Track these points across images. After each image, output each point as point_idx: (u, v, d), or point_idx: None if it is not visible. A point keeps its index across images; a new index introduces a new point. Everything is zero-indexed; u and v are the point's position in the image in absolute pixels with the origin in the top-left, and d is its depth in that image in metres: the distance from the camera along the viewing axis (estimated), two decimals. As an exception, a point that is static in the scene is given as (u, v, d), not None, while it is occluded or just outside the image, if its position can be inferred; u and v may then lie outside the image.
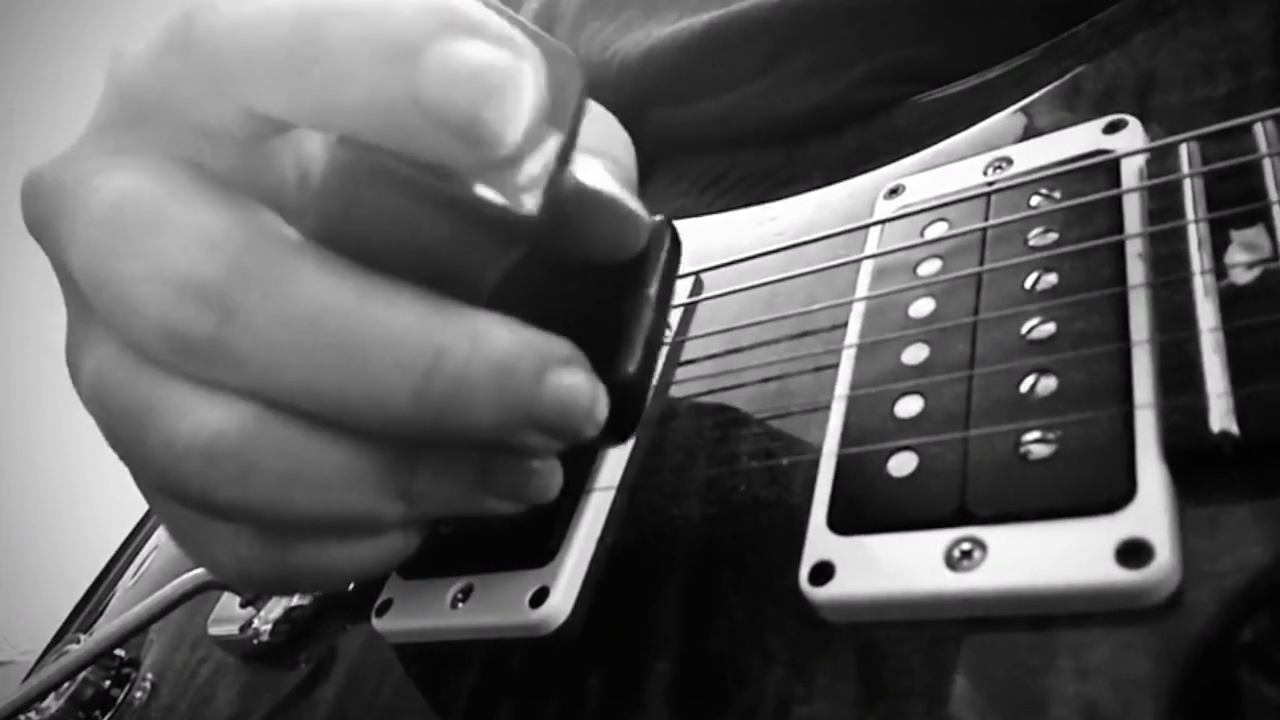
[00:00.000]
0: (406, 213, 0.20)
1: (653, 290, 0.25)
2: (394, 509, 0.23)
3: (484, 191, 0.19)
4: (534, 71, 0.18)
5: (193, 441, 0.20)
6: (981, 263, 0.27)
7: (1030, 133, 0.31)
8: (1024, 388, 0.24)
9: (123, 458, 0.23)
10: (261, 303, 0.20)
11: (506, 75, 0.18)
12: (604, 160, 0.24)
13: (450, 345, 0.20)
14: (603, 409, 0.23)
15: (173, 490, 0.21)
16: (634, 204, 0.23)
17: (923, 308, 0.27)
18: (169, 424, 0.20)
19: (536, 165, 0.20)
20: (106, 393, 0.22)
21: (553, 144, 0.20)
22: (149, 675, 0.40)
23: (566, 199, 0.22)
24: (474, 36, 0.18)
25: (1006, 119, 0.33)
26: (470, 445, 0.23)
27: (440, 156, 0.19)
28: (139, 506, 0.55)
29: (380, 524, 0.23)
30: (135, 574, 0.50)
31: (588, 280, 0.24)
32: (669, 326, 0.26)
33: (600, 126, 0.26)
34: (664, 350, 0.26)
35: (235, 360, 0.20)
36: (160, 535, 0.52)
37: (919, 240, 0.29)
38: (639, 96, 0.46)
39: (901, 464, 0.24)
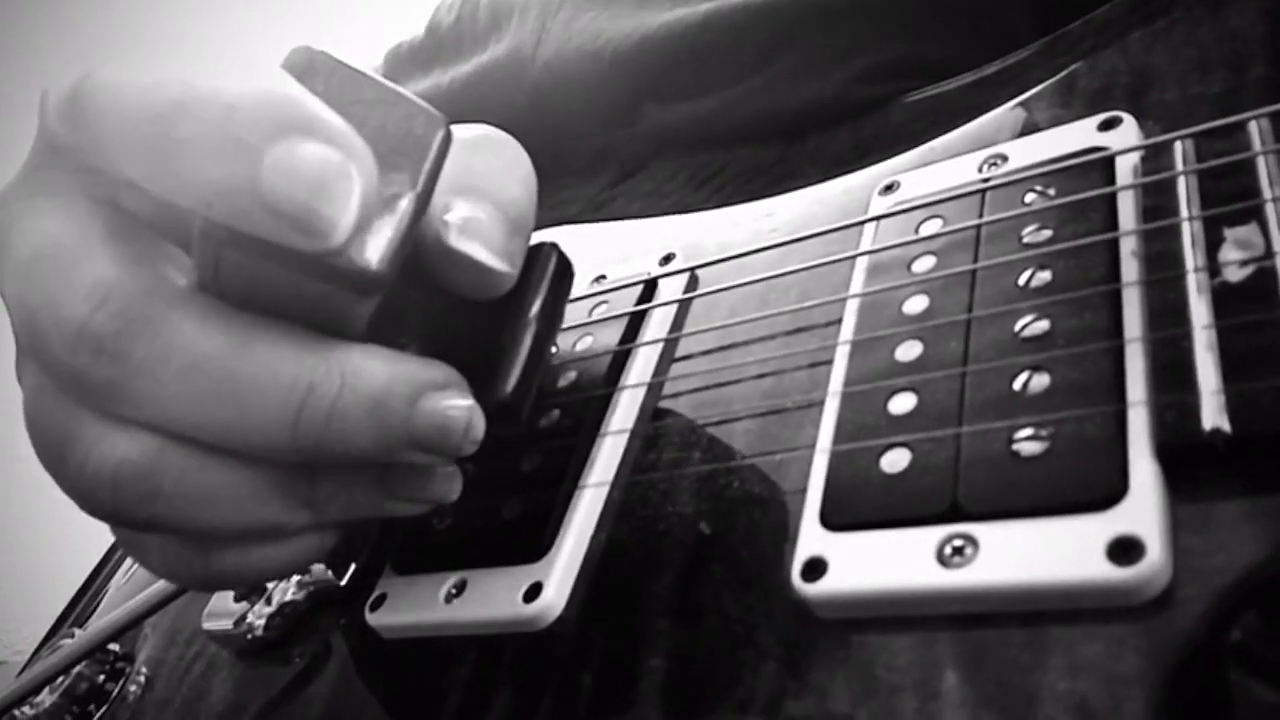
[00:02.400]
0: (264, 270, 0.22)
1: (533, 314, 0.27)
2: (300, 516, 0.25)
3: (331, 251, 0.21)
4: (362, 169, 0.20)
5: (100, 469, 0.23)
6: (976, 260, 0.27)
7: (1025, 130, 0.31)
8: (1017, 385, 0.24)
9: (49, 473, 0.25)
10: (147, 350, 0.22)
11: (337, 173, 0.20)
12: (482, 201, 0.25)
13: (320, 381, 0.23)
14: (479, 427, 0.25)
15: (91, 511, 0.24)
16: (496, 263, 0.25)
17: (917, 304, 0.27)
18: (80, 453, 0.23)
19: (385, 225, 0.22)
20: (35, 418, 0.24)
21: (404, 203, 0.22)
22: (143, 669, 0.40)
23: (432, 255, 0.24)
24: (309, 137, 0.20)
25: (1001, 116, 0.32)
26: (359, 464, 0.25)
27: (280, 241, 0.20)
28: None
29: (289, 530, 0.26)
30: (128, 572, 0.50)
31: (472, 307, 0.26)
32: (556, 346, 0.29)
33: (495, 160, 0.27)
34: (550, 365, 0.29)
35: (129, 399, 0.22)
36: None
37: (913, 237, 0.29)
38: (632, 89, 0.46)
39: (894, 460, 0.24)
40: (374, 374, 0.23)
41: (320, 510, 0.25)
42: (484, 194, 0.25)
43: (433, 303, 0.26)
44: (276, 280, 0.22)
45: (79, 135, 0.22)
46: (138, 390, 0.22)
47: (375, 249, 0.21)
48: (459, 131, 0.26)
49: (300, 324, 0.23)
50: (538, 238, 0.28)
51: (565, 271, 0.28)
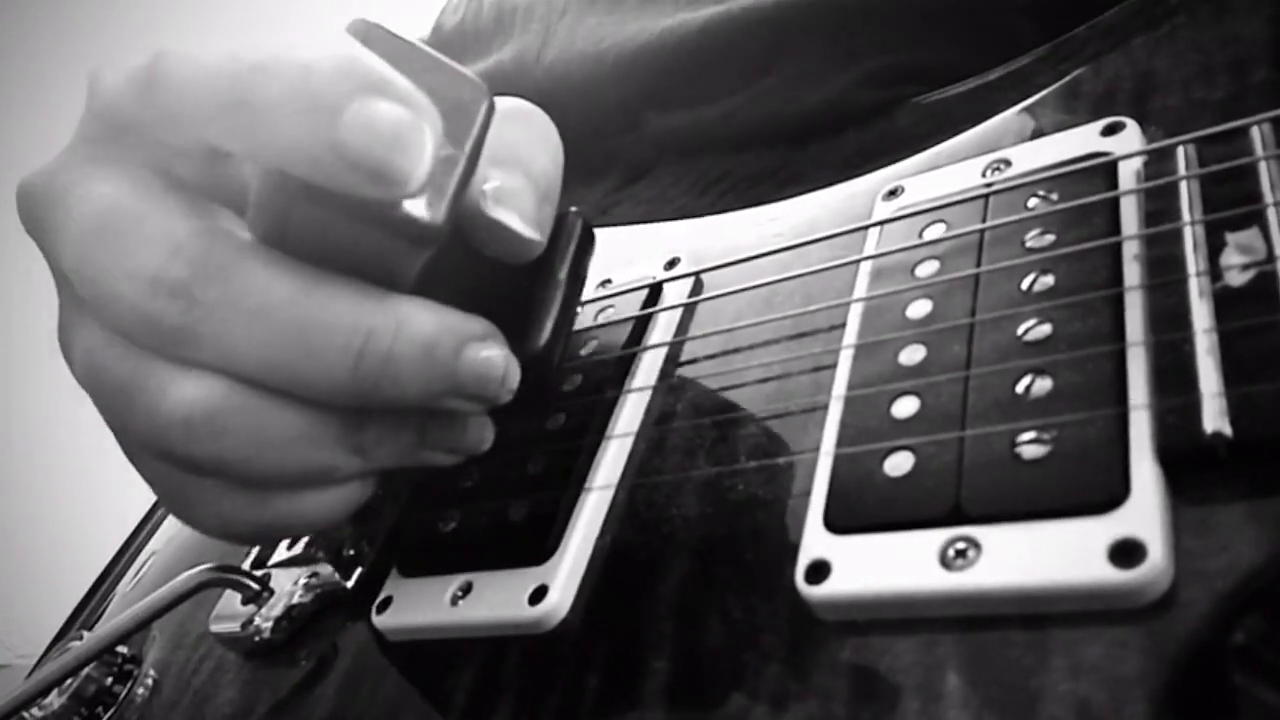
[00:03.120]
0: (331, 221, 0.24)
1: (562, 275, 0.29)
2: (350, 462, 0.27)
3: (397, 204, 0.23)
4: (432, 126, 0.22)
5: (173, 411, 0.24)
6: (979, 264, 0.27)
7: (1029, 134, 0.31)
8: (1020, 388, 0.24)
9: (113, 428, 0.27)
10: (219, 296, 0.23)
11: (411, 129, 0.22)
12: (514, 171, 0.27)
13: (378, 328, 0.24)
14: (514, 377, 0.27)
15: (159, 454, 0.25)
16: (528, 231, 0.27)
17: (920, 309, 0.27)
18: (151, 398, 0.24)
19: (441, 182, 0.24)
20: (97, 373, 0.26)
21: (457, 164, 0.24)
22: (151, 672, 0.40)
23: (470, 220, 0.26)
24: (382, 96, 0.22)
25: (1005, 121, 0.33)
26: (406, 409, 0.27)
27: (355, 192, 0.22)
28: (137, 511, 0.55)
29: (338, 475, 0.28)
30: (134, 578, 0.50)
31: (505, 268, 0.28)
32: (580, 305, 0.31)
33: (525, 132, 0.29)
34: (575, 324, 0.31)
35: (201, 343, 0.24)
36: (158, 540, 0.52)
37: (917, 241, 0.29)
38: (635, 95, 0.47)
39: (898, 464, 0.24)
40: (425, 323, 0.25)
41: (367, 456, 0.27)
42: (516, 164, 0.27)
43: (468, 267, 0.27)
44: (340, 234, 0.24)
45: (155, 106, 0.23)
46: (210, 334, 0.24)
47: (434, 204, 0.23)
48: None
49: (357, 278, 0.25)
50: None
51: (589, 237, 0.30)
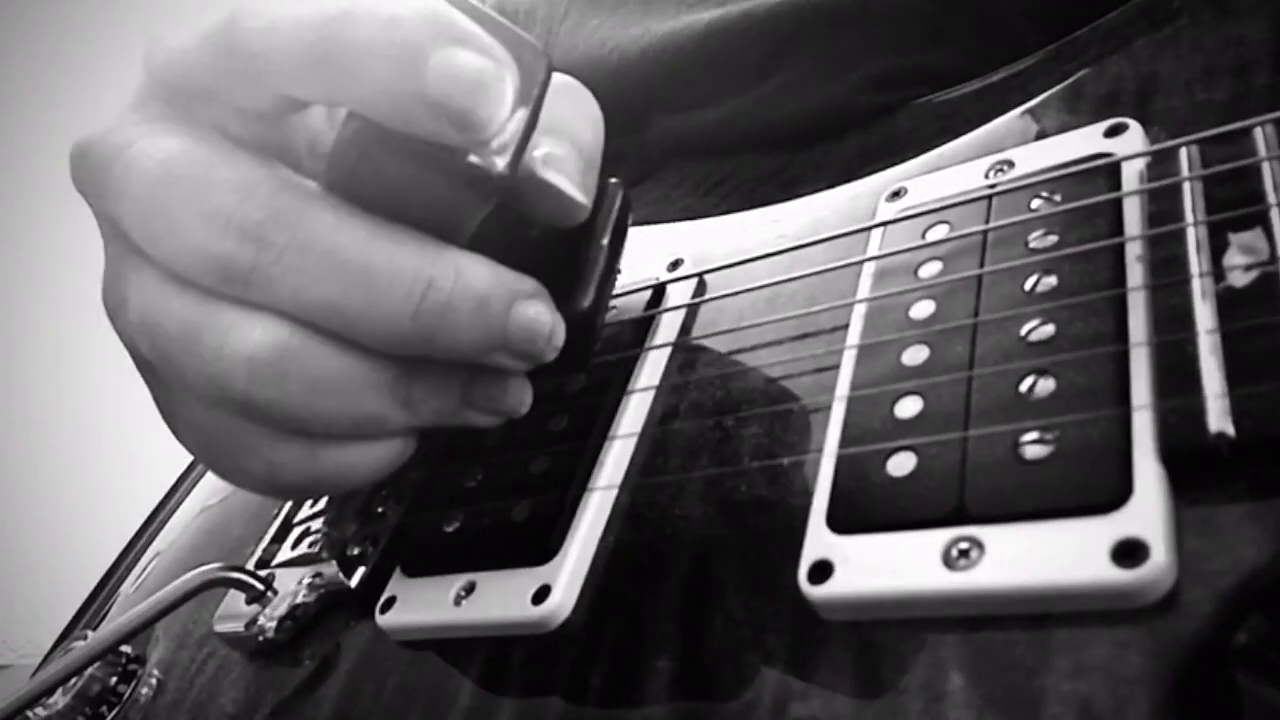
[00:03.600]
0: (403, 169, 0.25)
1: (605, 240, 0.30)
2: (398, 415, 0.28)
3: (464, 151, 0.24)
4: (511, 76, 0.24)
5: (238, 352, 0.25)
6: (982, 265, 0.27)
7: (1032, 136, 0.31)
8: (1023, 388, 0.24)
9: (168, 377, 0.28)
10: (291, 238, 0.24)
11: (493, 78, 0.23)
12: (565, 141, 0.28)
13: (439, 277, 0.25)
14: (560, 335, 0.28)
15: (220, 394, 0.26)
16: (575, 193, 0.28)
17: (923, 309, 0.27)
18: (216, 340, 0.25)
19: (507, 134, 0.25)
20: (156, 318, 0.26)
21: (521, 117, 0.25)
22: (155, 672, 0.41)
23: (522, 181, 0.27)
24: (465, 46, 0.23)
25: (1008, 122, 0.33)
26: (456, 362, 0.27)
27: (436, 136, 0.23)
28: (140, 512, 0.55)
29: (386, 427, 0.28)
30: (137, 578, 0.50)
31: (550, 235, 0.29)
32: (618, 270, 0.31)
33: (570, 102, 0.30)
34: (612, 289, 0.31)
35: (269, 284, 0.25)
36: (162, 541, 0.52)
37: (920, 242, 0.29)
38: (638, 97, 0.47)
39: (901, 464, 0.24)
40: (481, 277, 0.26)
41: (414, 410, 0.28)
42: (563, 133, 0.28)
43: (515, 232, 0.28)
44: (409, 184, 0.25)
45: (237, 64, 0.24)
46: (278, 275, 0.25)
47: (502, 156, 0.25)
48: None
49: (417, 228, 0.26)
50: None
51: (628, 206, 0.31)
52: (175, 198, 0.25)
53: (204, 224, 0.24)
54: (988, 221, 0.28)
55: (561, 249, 0.29)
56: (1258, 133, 0.25)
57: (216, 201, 0.24)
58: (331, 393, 0.26)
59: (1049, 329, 0.24)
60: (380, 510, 0.37)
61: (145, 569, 0.50)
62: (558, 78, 0.29)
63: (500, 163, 0.25)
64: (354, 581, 0.35)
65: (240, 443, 0.29)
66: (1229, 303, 0.22)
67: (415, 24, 0.22)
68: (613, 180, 0.31)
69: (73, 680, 0.39)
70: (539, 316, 0.27)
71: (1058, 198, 0.27)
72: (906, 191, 0.32)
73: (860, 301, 0.29)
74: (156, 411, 0.31)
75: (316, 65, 0.23)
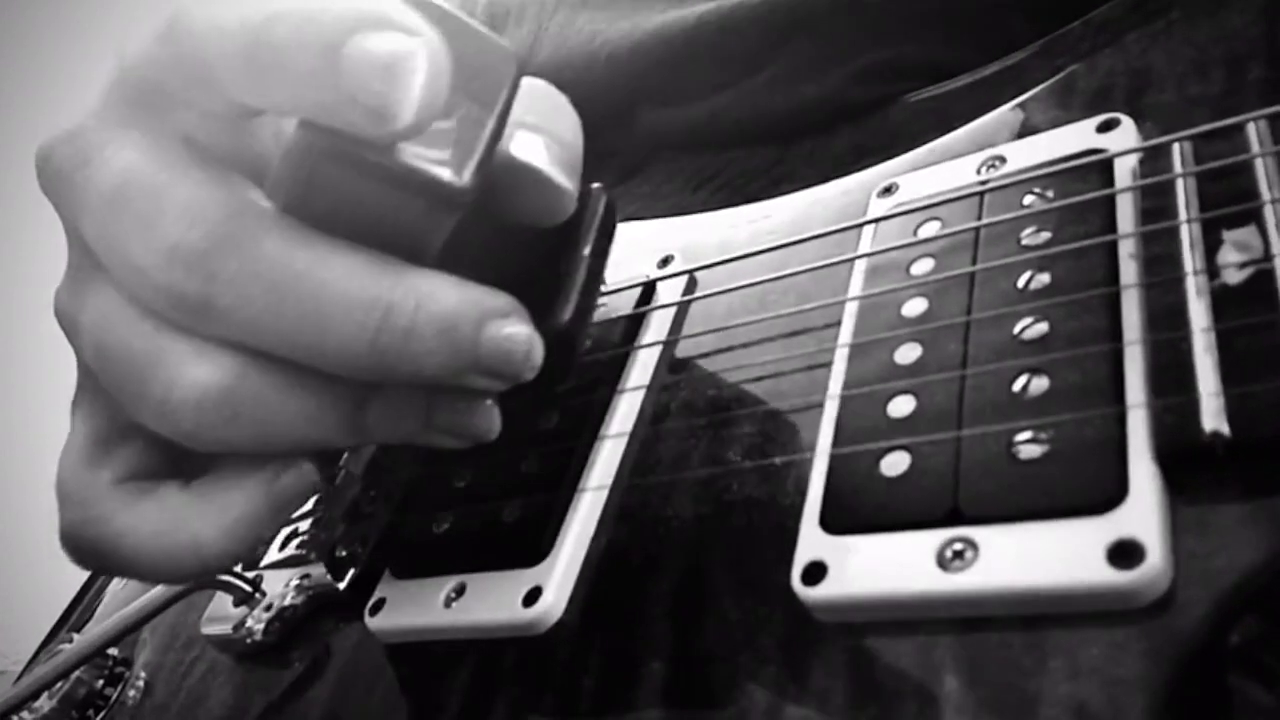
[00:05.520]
0: (356, 184, 0.23)
1: (587, 250, 0.28)
2: (351, 440, 0.27)
3: (423, 165, 0.23)
4: (430, 59, 0.22)
5: (186, 395, 0.24)
6: (974, 262, 0.27)
7: (1023, 131, 0.31)
8: (1016, 387, 0.24)
9: (118, 397, 0.26)
10: (238, 267, 0.23)
11: (406, 55, 0.21)
12: (543, 136, 0.27)
13: (398, 302, 0.24)
14: (538, 353, 0.26)
15: (169, 434, 0.25)
16: (560, 177, 0.26)
17: (915, 307, 0.27)
18: (166, 378, 0.24)
19: (468, 142, 0.23)
20: (109, 342, 0.25)
21: (484, 124, 0.24)
22: (142, 674, 0.40)
23: (500, 171, 0.25)
24: (384, 29, 0.21)
25: (1000, 117, 0.32)
26: (424, 386, 0.26)
27: (358, 131, 0.22)
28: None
29: (335, 447, 0.28)
30: (123, 582, 0.50)
31: (530, 240, 0.28)
32: (603, 281, 0.30)
33: (547, 106, 0.29)
34: (598, 302, 0.31)
35: (217, 315, 0.24)
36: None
37: (912, 239, 0.29)
38: (628, 92, 0.46)
39: (894, 464, 0.24)
40: (446, 297, 0.25)
41: (370, 436, 0.27)
42: (542, 129, 0.27)
43: (491, 242, 0.27)
44: (362, 199, 0.24)
45: (181, 63, 0.24)
46: (227, 306, 0.23)
47: (461, 165, 0.23)
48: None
49: (378, 250, 0.25)
50: None
51: (612, 213, 0.29)
52: (125, 222, 0.24)
53: (150, 253, 0.23)
54: (980, 218, 0.28)
55: (541, 259, 0.28)
56: (1251, 128, 0.25)
57: (164, 230, 0.23)
58: (282, 429, 0.25)
59: (1042, 327, 0.24)
60: (369, 511, 0.36)
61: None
62: (535, 83, 0.29)
63: (458, 173, 0.23)
64: (343, 583, 0.35)
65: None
66: (1223, 301, 0.22)
67: (334, 14, 0.21)
68: (595, 185, 0.29)
69: (59, 684, 0.39)
70: (514, 336, 0.26)
71: (1050, 194, 0.27)
72: (898, 187, 0.32)
73: (852, 299, 0.29)
74: None
75: (247, 65, 0.22)
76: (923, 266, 0.28)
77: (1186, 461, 0.21)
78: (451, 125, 0.23)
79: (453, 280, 0.25)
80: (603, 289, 0.36)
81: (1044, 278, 0.25)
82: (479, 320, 0.25)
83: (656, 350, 0.33)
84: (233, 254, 0.23)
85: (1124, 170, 0.27)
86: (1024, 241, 0.27)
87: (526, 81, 0.28)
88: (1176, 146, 0.26)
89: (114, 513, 0.26)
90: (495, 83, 0.24)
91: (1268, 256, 0.22)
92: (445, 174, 0.23)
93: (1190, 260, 0.23)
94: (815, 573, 0.24)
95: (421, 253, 0.25)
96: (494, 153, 0.24)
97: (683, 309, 0.34)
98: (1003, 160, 0.30)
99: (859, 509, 0.24)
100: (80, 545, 0.27)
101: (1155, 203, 0.25)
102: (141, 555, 0.26)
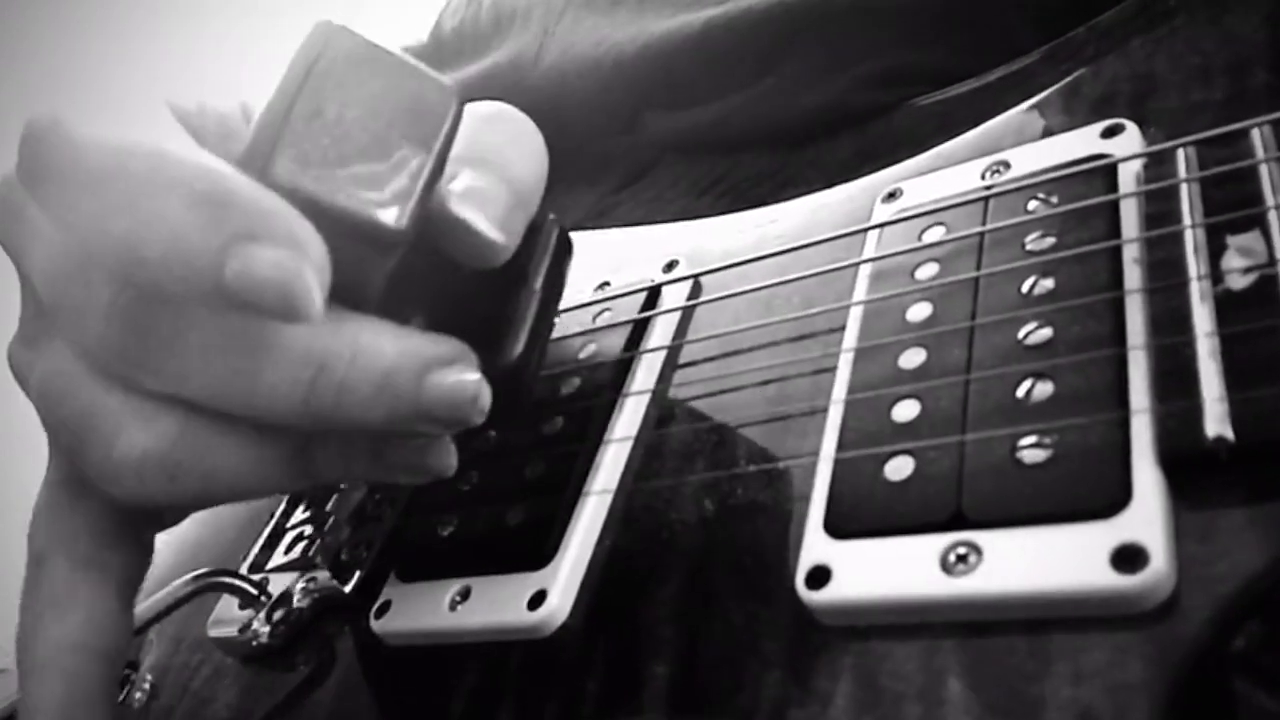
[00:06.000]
0: None
1: (537, 285, 0.28)
2: (299, 483, 0.27)
3: (358, 206, 0.23)
4: (313, 262, 0.21)
5: (125, 459, 0.24)
6: (979, 267, 0.27)
7: (1028, 136, 0.31)
8: (1020, 392, 0.24)
9: (68, 456, 0.27)
10: (171, 325, 0.23)
11: (294, 274, 0.21)
12: (487, 172, 0.26)
13: (331, 357, 0.24)
14: (486, 398, 0.26)
15: (114, 493, 0.25)
16: (490, 232, 0.26)
17: (920, 312, 0.27)
18: (106, 440, 0.24)
19: (404, 185, 0.23)
20: (55, 400, 0.25)
21: (420, 167, 0.23)
22: (148, 677, 0.40)
23: (435, 217, 0.25)
24: (258, 242, 0.21)
25: (1004, 123, 0.33)
26: (368, 433, 0.26)
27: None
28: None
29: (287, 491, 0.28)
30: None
31: (477, 277, 0.27)
32: (557, 315, 0.30)
33: (506, 133, 0.28)
34: (551, 335, 0.29)
35: (156, 372, 0.24)
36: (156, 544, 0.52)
37: (917, 244, 0.29)
38: (634, 97, 0.46)
39: (898, 468, 0.24)
40: (382, 350, 0.24)
41: (317, 478, 0.27)
42: (490, 166, 0.26)
43: (440, 275, 0.27)
44: None
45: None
46: (162, 363, 0.23)
47: (395, 207, 0.23)
48: (475, 107, 0.27)
49: None
50: None
51: (566, 246, 0.29)
52: (62, 280, 0.24)
53: (86, 312, 0.23)
54: (984, 223, 0.28)
55: (492, 292, 0.28)
56: (1255, 134, 0.25)
57: (96, 287, 0.23)
58: (225, 481, 0.25)
59: (1046, 332, 0.24)
60: (374, 514, 0.36)
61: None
62: (495, 108, 0.28)
63: (396, 216, 0.23)
64: (348, 586, 0.35)
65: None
66: (1227, 306, 0.22)
67: (201, 230, 0.21)
68: (550, 217, 0.29)
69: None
70: (458, 383, 0.25)
71: (1055, 199, 0.27)
72: (903, 193, 0.32)
73: (857, 304, 0.29)
74: None
75: (119, 268, 0.22)
76: (927, 271, 0.28)
77: (1190, 466, 0.21)
78: (389, 166, 0.23)
79: (391, 330, 0.25)
80: (609, 293, 0.36)
81: (1048, 283, 0.25)
82: (419, 371, 0.24)
83: (661, 354, 0.33)
84: (165, 311, 0.23)
85: (1128, 175, 0.27)
86: (1028, 246, 0.27)
87: (489, 107, 0.28)
88: (1181, 152, 0.26)
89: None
90: (434, 122, 0.24)
91: (1272, 261, 0.22)
92: (381, 215, 0.23)
93: (1194, 265, 0.23)
94: (819, 576, 0.24)
95: (362, 295, 0.25)
96: (433, 192, 0.24)
97: (687, 313, 0.34)
98: (1007, 165, 0.30)
99: (863, 513, 0.24)
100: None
101: (1159, 208, 0.25)
102: None
